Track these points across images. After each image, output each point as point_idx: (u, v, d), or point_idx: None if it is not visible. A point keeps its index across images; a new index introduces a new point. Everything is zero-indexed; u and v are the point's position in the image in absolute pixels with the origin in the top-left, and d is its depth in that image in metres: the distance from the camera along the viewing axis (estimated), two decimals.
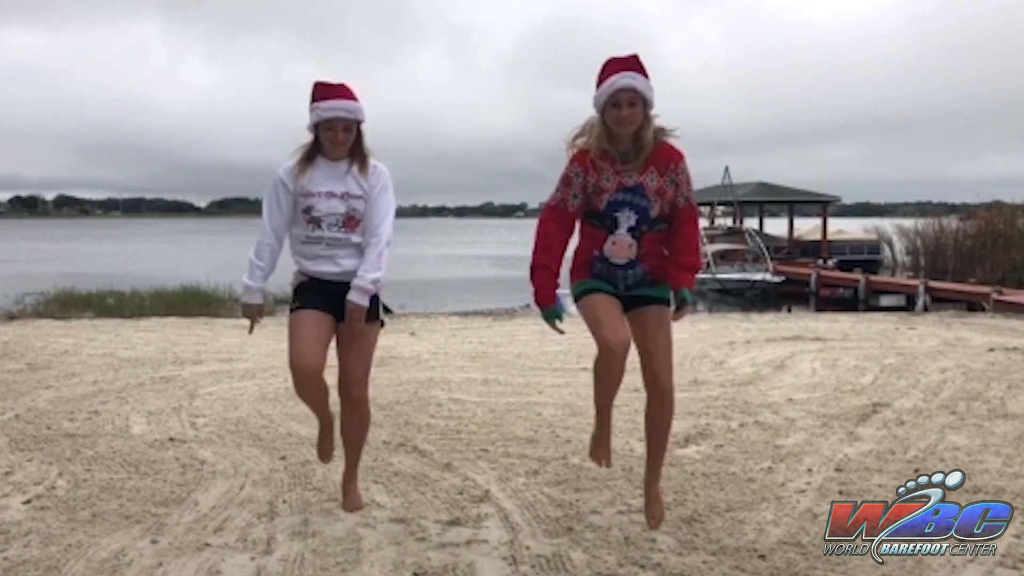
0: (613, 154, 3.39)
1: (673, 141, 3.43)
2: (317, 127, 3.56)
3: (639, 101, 3.33)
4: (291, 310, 3.69)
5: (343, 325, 3.61)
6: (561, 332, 3.47)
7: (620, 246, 3.40)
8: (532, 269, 3.47)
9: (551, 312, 3.45)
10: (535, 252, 3.47)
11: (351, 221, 3.59)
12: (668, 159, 3.40)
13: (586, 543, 3.42)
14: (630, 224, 3.39)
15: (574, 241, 3.54)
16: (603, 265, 3.45)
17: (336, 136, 3.55)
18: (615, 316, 3.42)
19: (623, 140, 3.39)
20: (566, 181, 3.44)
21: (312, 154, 3.61)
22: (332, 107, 3.53)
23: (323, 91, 3.55)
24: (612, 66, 3.35)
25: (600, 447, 3.70)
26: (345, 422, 3.77)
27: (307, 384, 3.61)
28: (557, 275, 3.47)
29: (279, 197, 3.61)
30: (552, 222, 3.46)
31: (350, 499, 3.82)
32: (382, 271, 3.56)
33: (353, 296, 3.52)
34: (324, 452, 3.95)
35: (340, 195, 3.57)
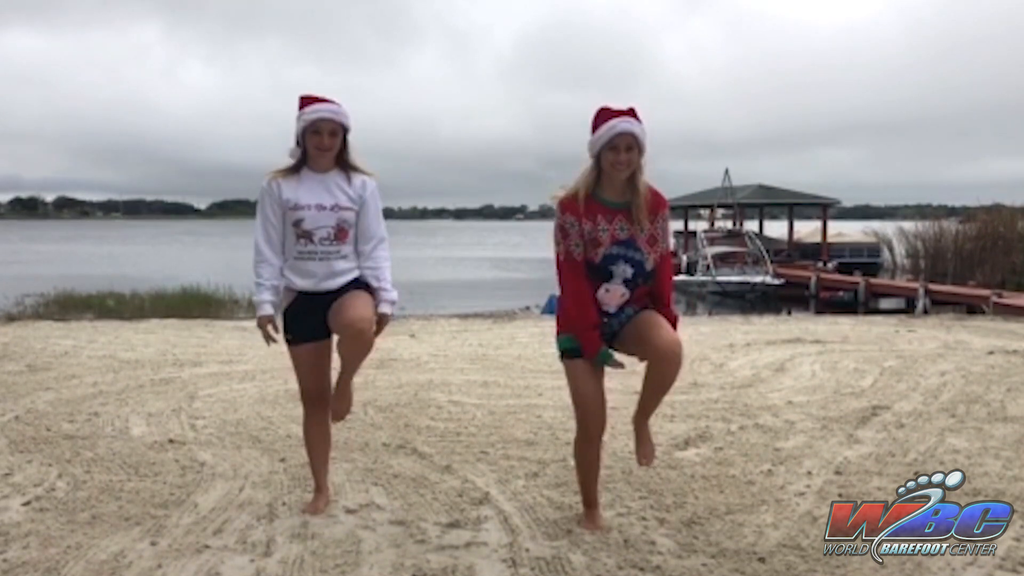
0: (600, 203, 3.40)
1: (657, 188, 3.47)
2: (303, 137, 3.55)
3: (636, 147, 3.36)
4: (287, 339, 3.69)
5: (335, 305, 3.57)
6: (622, 366, 3.47)
7: (613, 295, 3.43)
8: (581, 331, 3.43)
9: (601, 358, 3.44)
10: (578, 316, 3.43)
11: (342, 233, 3.58)
12: (656, 207, 3.43)
13: (585, 545, 3.42)
14: (626, 277, 3.41)
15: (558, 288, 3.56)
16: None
17: (321, 140, 3.53)
18: (598, 397, 3.49)
19: (615, 188, 3.41)
20: (563, 233, 3.42)
21: (298, 167, 3.59)
22: (316, 110, 3.53)
23: (307, 100, 3.57)
24: (608, 113, 3.39)
25: (591, 518, 3.66)
26: (344, 343, 3.62)
27: (318, 412, 3.76)
28: (598, 326, 3.45)
29: (269, 208, 3.59)
30: (573, 278, 3.44)
31: (340, 401, 3.77)
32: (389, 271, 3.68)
33: (384, 309, 3.61)
34: (314, 508, 3.80)
35: (330, 207, 3.55)
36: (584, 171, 3.44)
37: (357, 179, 3.62)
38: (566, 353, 3.52)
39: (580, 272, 3.42)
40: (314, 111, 3.52)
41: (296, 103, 3.60)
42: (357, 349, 3.56)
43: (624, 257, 3.39)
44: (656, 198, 3.44)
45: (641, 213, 3.38)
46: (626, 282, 3.42)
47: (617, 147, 3.34)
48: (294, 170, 3.59)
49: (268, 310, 3.62)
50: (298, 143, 3.59)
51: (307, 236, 3.56)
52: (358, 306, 3.51)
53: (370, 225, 3.63)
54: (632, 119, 3.37)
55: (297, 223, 3.55)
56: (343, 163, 3.62)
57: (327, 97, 3.58)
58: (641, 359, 3.50)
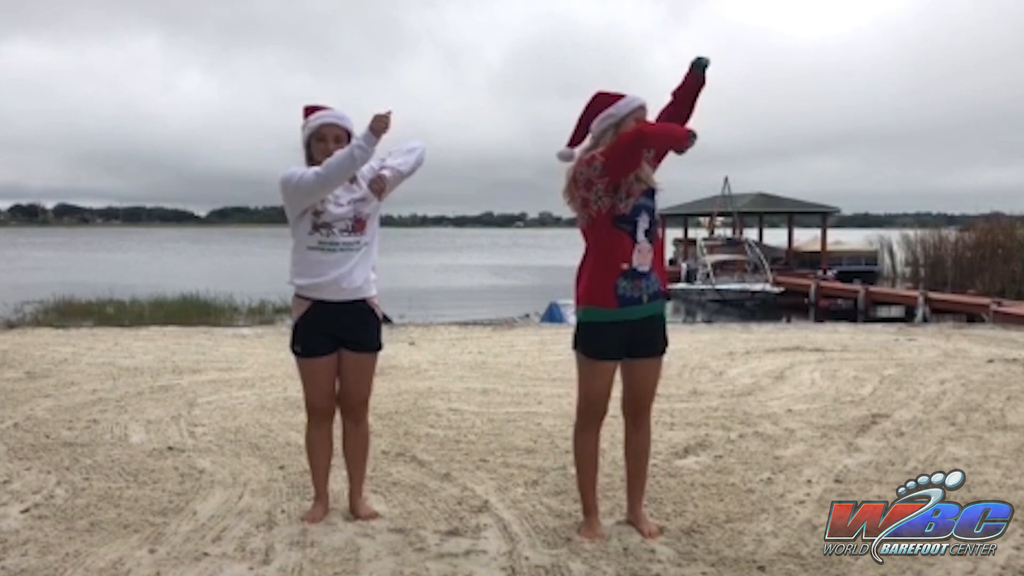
0: None
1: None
2: (309, 144, 3.60)
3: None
4: (295, 351, 3.70)
5: (346, 352, 3.68)
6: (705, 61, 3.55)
7: (644, 253, 3.47)
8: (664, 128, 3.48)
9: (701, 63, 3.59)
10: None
11: (359, 223, 3.61)
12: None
13: (585, 554, 3.41)
14: (645, 228, 3.47)
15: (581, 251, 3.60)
16: (628, 283, 3.44)
17: (327, 146, 3.56)
18: (603, 387, 3.55)
19: None
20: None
21: None
22: (320, 115, 3.60)
23: (310, 109, 3.64)
24: (608, 95, 3.50)
25: (590, 526, 3.66)
26: (348, 439, 3.83)
27: (322, 424, 3.78)
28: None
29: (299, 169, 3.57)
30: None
31: (362, 510, 3.83)
32: (417, 160, 3.66)
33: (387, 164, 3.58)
34: (313, 516, 3.80)
35: (347, 202, 3.59)
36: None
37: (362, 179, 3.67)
38: (587, 339, 3.53)
39: None
40: (318, 117, 3.59)
41: (298, 113, 3.65)
42: (358, 434, 3.80)
43: (646, 207, 3.47)
44: None
45: (650, 173, 3.52)
46: (646, 233, 3.47)
47: (641, 119, 3.47)
48: None
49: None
50: (307, 156, 3.63)
51: (327, 227, 3.56)
52: (360, 386, 3.74)
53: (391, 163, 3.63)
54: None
55: (317, 213, 3.56)
56: None
57: (329, 106, 3.62)
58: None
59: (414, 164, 3.70)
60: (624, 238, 3.43)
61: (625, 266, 3.43)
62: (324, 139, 3.57)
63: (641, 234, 3.45)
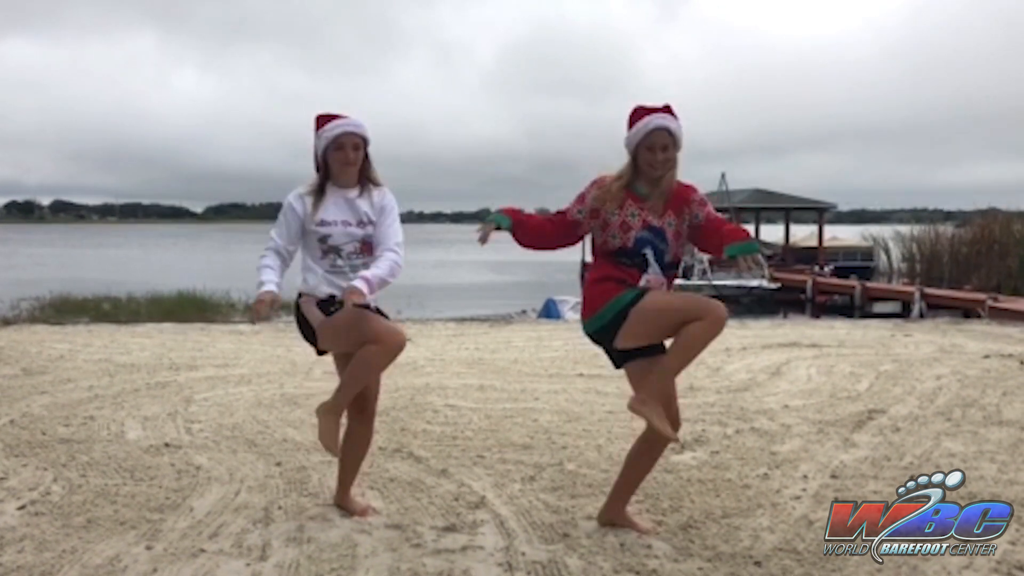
0: (633, 191, 3.43)
1: (681, 179, 3.47)
2: (326, 153, 3.57)
3: (671, 145, 3.38)
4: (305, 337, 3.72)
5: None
6: (485, 237, 3.60)
7: (655, 284, 3.40)
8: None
9: (496, 216, 3.57)
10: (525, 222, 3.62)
11: (366, 247, 3.60)
12: (683, 200, 3.42)
13: (582, 549, 3.42)
14: (660, 266, 3.42)
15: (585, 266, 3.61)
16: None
17: (346, 155, 3.55)
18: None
19: (650, 180, 3.42)
20: (580, 198, 3.49)
21: (322, 187, 3.60)
22: (338, 125, 3.55)
23: (325, 118, 3.59)
24: (643, 110, 3.41)
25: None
26: (350, 437, 3.80)
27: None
28: (526, 218, 3.59)
29: (287, 219, 3.60)
30: (550, 220, 3.55)
31: (358, 507, 3.82)
32: (390, 273, 3.50)
33: (356, 281, 3.39)
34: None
35: (356, 223, 3.58)
36: (624, 166, 3.46)
37: (376, 193, 3.66)
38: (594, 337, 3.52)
39: (557, 222, 3.53)
40: (336, 126, 3.55)
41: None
42: (361, 432, 3.85)
43: (652, 244, 3.38)
44: (682, 191, 3.42)
45: (657, 204, 3.39)
46: (661, 269, 3.41)
47: (653, 147, 3.36)
48: (319, 190, 3.60)
49: (270, 286, 3.54)
50: (317, 165, 3.61)
51: (335, 251, 3.57)
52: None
53: (384, 233, 3.60)
54: (667, 115, 3.38)
55: (324, 239, 3.56)
56: (363, 178, 3.64)
57: (343, 113, 3.60)
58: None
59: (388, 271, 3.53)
60: (628, 271, 3.39)
61: (631, 284, 3.38)
62: (343, 147, 3.55)
63: (655, 268, 3.39)
